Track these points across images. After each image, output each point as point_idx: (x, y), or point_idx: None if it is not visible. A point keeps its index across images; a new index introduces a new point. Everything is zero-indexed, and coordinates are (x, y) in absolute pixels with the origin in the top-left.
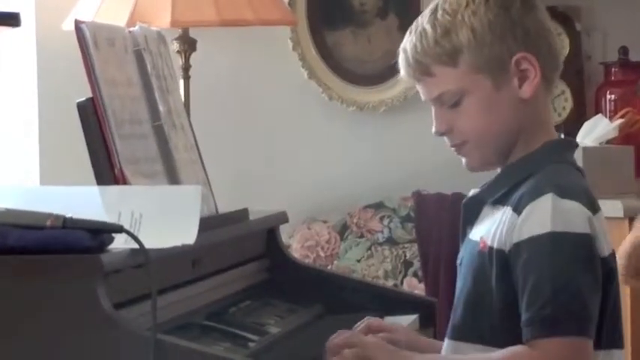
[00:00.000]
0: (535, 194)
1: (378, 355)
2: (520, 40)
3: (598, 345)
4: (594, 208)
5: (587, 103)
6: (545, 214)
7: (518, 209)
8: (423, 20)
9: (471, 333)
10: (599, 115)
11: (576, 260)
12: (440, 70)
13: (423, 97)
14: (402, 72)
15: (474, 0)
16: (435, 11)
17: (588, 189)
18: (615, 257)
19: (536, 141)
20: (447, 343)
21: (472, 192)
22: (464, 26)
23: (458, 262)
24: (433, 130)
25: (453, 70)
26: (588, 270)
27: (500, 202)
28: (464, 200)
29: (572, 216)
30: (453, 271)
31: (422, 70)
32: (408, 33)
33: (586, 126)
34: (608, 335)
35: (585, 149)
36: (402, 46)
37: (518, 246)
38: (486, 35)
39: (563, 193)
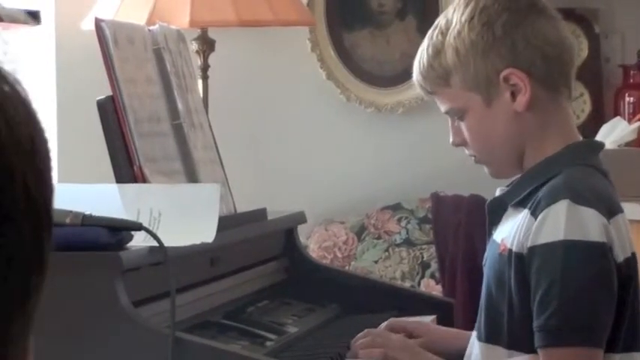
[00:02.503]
0: (551, 199)
1: (402, 356)
2: (505, 55)
3: (615, 349)
4: (612, 213)
5: (606, 105)
6: (559, 221)
7: (535, 213)
8: (426, 37)
9: (495, 335)
10: (618, 118)
11: (588, 270)
12: (438, 90)
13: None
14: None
15: (461, 19)
16: (434, 29)
17: (607, 192)
18: (635, 261)
19: (550, 146)
20: (476, 344)
21: (498, 191)
22: (450, 47)
23: (483, 262)
24: (450, 141)
25: (449, 90)
26: (601, 280)
27: (521, 204)
28: (488, 201)
29: (586, 223)
30: (471, 273)
31: (425, 90)
32: (420, 48)
33: (604, 128)
34: (626, 339)
35: (603, 152)
36: (414, 64)
37: (532, 251)
38: (469, 55)
39: (579, 199)
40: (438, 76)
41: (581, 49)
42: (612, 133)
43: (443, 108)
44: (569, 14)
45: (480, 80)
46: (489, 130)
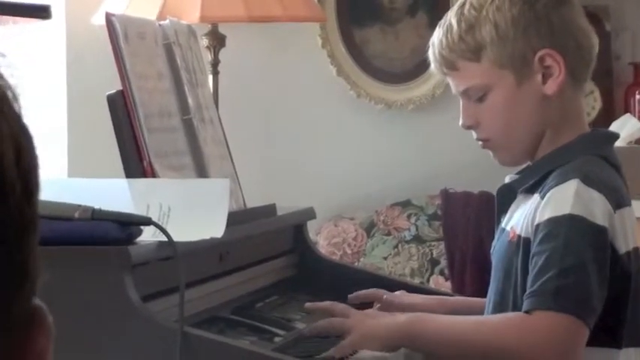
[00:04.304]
0: (561, 180)
1: (357, 326)
2: (544, 36)
3: (619, 344)
4: (619, 204)
5: (616, 103)
6: (567, 197)
7: (543, 195)
8: (451, 14)
9: None
10: (628, 115)
11: (589, 249)
12: (464, 65)
13: (453, 90)
14: (432, 66)
15: None
16: (462, 5)
17: (616, 184)
18: (636, 256)
19: (564, 137)
20: None
21: (507, 178)
22: (487, 22)
23: (491, 251)
24: (460, 122)
25: (477, 66)
26: (598, 262)
27: (531, 191)
28: (498, 187)
29: (593, 206)
30: (480, 269)
31: (447, 64)
32: (438, 26)
33: (614, 126)
34: (629, 334)
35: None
36: (431, 39)
37: (537, 227)
38: (509, 31)
39: (589, 181)
40: (469, 50)
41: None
42: (622, 131)
43: (463, 86)
44: None
45: (516, 58)
46: (513, 111)
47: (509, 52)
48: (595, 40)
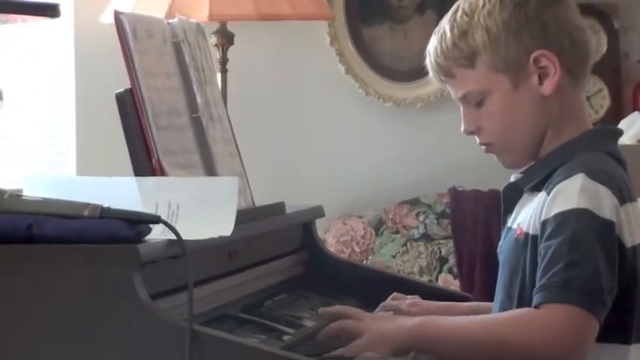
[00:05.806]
0: (566, 175)
1: (370, 329)
2: (537, 36)
3: (628, 340)
4: (624, 199)
5: (625, 101)
6: (573, 192)
7: (549, 191)
8: (444, 21)
9: None
10: (636, 113)
11: (597, 242)
12: (460, 71)
13: (452, 97)
14: (430, 74)
15: (490, 0)
16: (455, 12)
17: (621, 178)
18: None
19: (567, 134)
20: None
21: (512, 178)
22: (479, 27)
23: (498, 250)
24: (462, 129)
25: (472, 72)
26: (607, 255)
27: (537, 188)
28: (503, 187)
29: (599, 199)
30: (488, 268)
31: (444, 72)
32: (433, 34)
33: (623, 124)
34: (639, 329)
35: (621, 147)
36: (427, 48)
37: (545, 223)
38: (501, 35)
39: (594, 175)
40: (464, 56)
41: (600, 45)
42: (631, 128)
43: (461, 92)
44: (589, 9)
45: (510, 61)
46: (513, 114)
47: (503, 56)
48: (588, 35)
